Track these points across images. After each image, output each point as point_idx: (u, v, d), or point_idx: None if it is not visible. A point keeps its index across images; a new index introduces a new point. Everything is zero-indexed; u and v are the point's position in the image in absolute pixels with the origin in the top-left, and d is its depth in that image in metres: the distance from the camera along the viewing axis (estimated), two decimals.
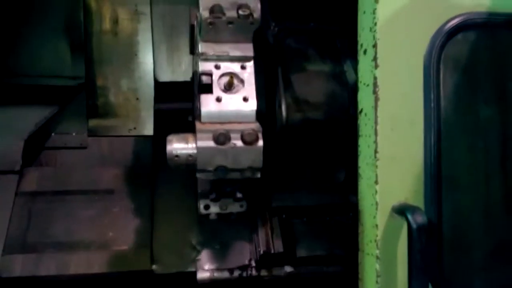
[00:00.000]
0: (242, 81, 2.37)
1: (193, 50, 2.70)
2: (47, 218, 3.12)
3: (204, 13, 2.30)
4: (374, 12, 1.82)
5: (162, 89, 3.82)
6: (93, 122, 3.72)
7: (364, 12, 1.90)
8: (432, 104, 1.80)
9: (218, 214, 2.72)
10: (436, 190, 1.80)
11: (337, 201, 3.16)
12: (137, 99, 3.83)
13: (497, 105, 1.87)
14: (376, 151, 1.82)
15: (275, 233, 3.01)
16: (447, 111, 1.81)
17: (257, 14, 2.32)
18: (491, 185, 1.85)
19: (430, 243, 1.74)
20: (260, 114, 2.38)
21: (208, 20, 2.30)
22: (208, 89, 2.32)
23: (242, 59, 2.39)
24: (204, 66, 2.36)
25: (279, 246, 2.97)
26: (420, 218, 1.66)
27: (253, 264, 3.00)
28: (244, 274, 2.97)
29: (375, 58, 1.81)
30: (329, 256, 3.02)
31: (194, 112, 2.71)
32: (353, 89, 2.74)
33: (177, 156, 2.28)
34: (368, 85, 1.86)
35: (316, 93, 2.76)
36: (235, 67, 2.39)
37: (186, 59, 3.89)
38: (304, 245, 3.02)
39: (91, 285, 3.04)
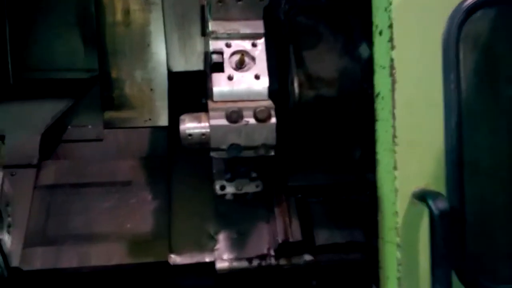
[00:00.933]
0: (253, 59, 2.35)
1: (204, 31, 2.68)
2: (66, 211, 3.13)
3: None
4: None
5: (176, 79, 3.79)
6: (108, 114, 3.72)
7: None
8: (452, 86, 1.74)
9: (234, 195, 2.71)
10: (458, 175, 1.74)
11: (353, 179, 3.12)
12: (151, 89, 3.81)
13: None
14: (394, 136, 1.76)
15: (293, 218, 2.98)
16: (467, 93, 1.74)
17: None
18: None
19: (453, 230, 1.69)
20: (273, 92, 2.36)
21: None
22: (220, 67, 2.32)
23: (252, 37, 2.38)
24: (214, 44, 2.35)
25: (298, 233, 2.94)
26: (442, 204, 1.61)
27: (272, 253, 2.97)
28: (263, 263, 2.94)
29: (391, 39, 1.75)
30: (348, 243, 2.98)
31: (206, 93, 2.70)
32: (366, 64, 2.69)
33: (190, 135, 2.29)
34: (384, 68, 1.80)
35: (328, 69, 2.70)
36: (246, 44, 2.37)
37: (199, 47, 3.84)
38: (323, 231, 2.98)
39: (111, 276, 3.05)
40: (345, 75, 2.68)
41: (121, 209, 3.16)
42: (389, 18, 1.76)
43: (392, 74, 1.75)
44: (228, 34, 2.37)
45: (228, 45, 2.36)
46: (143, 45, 3.81)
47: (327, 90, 2.66)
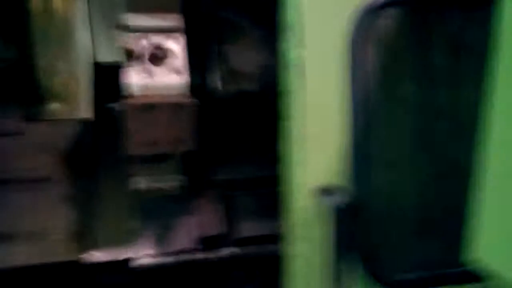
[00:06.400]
0: (172, 53, 2.32)
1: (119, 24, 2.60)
2: None
3: None
4: None
5: (102, 71, 3.67)
6: (29, 107, 3.55)
7: None
8: (359, 83, 1.78)
9: (154, 190, 2.70)
10: (364, 169, 1.79)
11: (278, 173, 3.16)
12: (75, 81, 3.66)
13: (424, 82, 1.86)
14: (301, 132, 1.79)
15: (218, 212, 2.98)
16: (374, 90, 1.80)
17: None
18: (418, 163, 1.86)
19: (354, 223, 1.76)
20: (195, 86, 2.35)
21: None
22: (137, 61, 2.27)
23: (171, 30, 2.34)
24: (131, 38, 2.29)
25: (222, 226, 2.95)
26: (338, 199, 1.65)
27: (196, 246, 2.97)
28: (187, 257, 2.93)
29: (300, 37, 1.76)
30: (273, 235, 3.02)
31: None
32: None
33: None
34: (293, 65, 1.82)
35: (250, 64, 2.70)
36: (164, 38, 2.33)
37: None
38: (248, 223, 3.01)
39: (29, 276, 2.94)
40: (265, 70, 2.69)
41: (41, 206, 3.06)
42: (298, 15, 1.77)
43: (301, 72, 1.77)
44: (145, 27, 2.32)
45: (145, 39, 2.31)
46: (66, 34, 3.65)
47: (248, 85, 2.67)
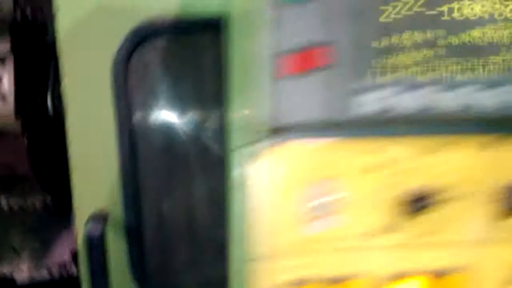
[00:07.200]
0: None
1: None
2: None
3: None
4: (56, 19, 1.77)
5: None
6: None
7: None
8: (123, 111, 1.79)
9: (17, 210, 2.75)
10: (133, 196, 1.81)
11: None
12: None
13: (191, 107, 1.85)
14: (77, 159, 1.82)
15: None
16: (137, 117, 1.81)
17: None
18: (189, 188, 1.86)
19: (131, 248, 1.79)
20: (28, 110, 2.36)
21: None
22: None
23: None
24: None
25: None
26: (94, 227, 1.67)
27: (73, 262, 3.01)
28: (63, 272, 2.98)
29: (62, 65, 1.78)
30: None
31: None
32: None
33: None
34: (63, 93, 1.84)
35: None
36: None
37: None
38: None
39: None
40: None
41: None
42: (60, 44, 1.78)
43: (66, 99, 1.79)
44: None
45: None
46: None
47: None
